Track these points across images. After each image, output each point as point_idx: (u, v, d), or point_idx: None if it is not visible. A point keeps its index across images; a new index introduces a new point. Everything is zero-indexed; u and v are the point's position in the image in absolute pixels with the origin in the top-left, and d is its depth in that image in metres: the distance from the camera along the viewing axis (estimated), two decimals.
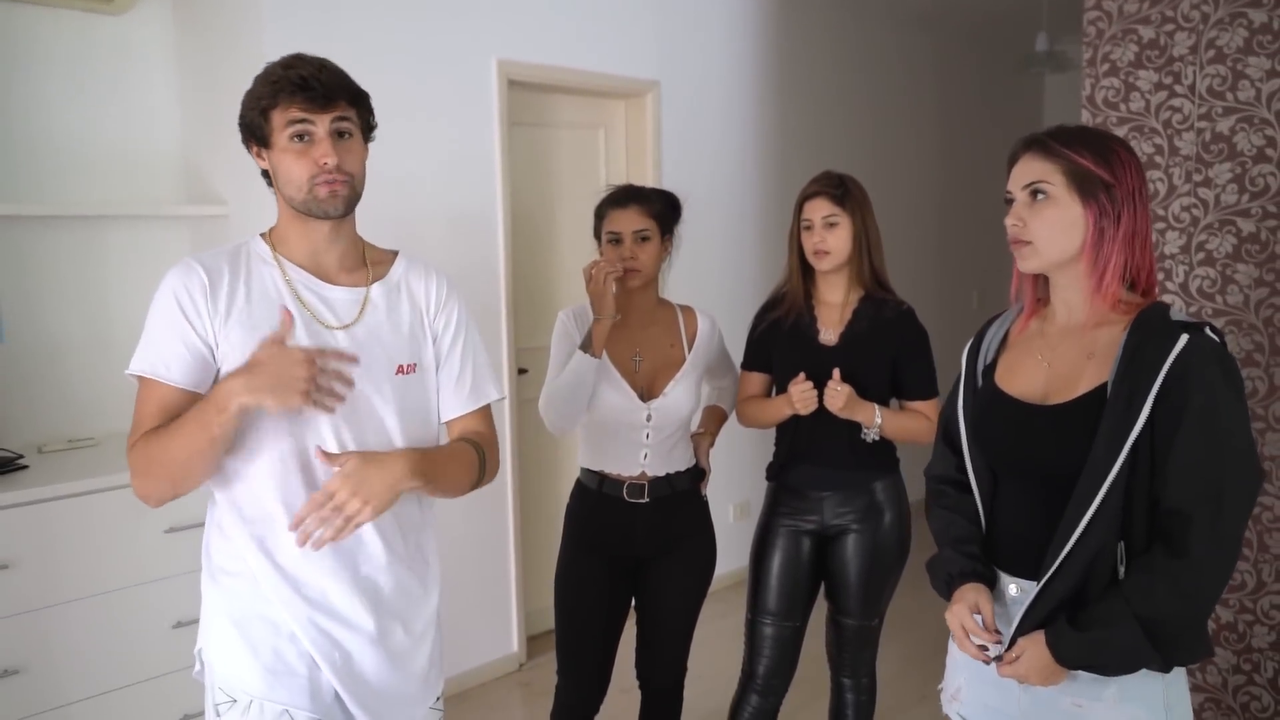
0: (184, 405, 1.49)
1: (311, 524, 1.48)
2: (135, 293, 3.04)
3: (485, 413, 1.77)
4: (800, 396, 2.28)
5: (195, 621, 2.60)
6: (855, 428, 2.34)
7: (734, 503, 4.52)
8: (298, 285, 1.59)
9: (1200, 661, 1.51)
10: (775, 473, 2.49)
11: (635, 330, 2.37)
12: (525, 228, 3.73)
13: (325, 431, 1.55)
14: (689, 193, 4.15)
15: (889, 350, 2.35)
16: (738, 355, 2.59)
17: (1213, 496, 1.40)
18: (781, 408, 2.36)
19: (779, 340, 2.43)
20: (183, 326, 1.51)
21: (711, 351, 2.47)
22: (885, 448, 2.42)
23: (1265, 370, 2.70)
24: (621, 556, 2.37)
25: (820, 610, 2.52)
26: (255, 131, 1.55)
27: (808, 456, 2.40)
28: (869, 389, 2.31)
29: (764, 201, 4.58)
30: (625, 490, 2.33)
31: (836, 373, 2.27)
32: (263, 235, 1.64)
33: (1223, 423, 1.41)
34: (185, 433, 1.45)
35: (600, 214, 2.39)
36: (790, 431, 2.42)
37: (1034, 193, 1.51)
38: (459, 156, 3.39)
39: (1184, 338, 1.42)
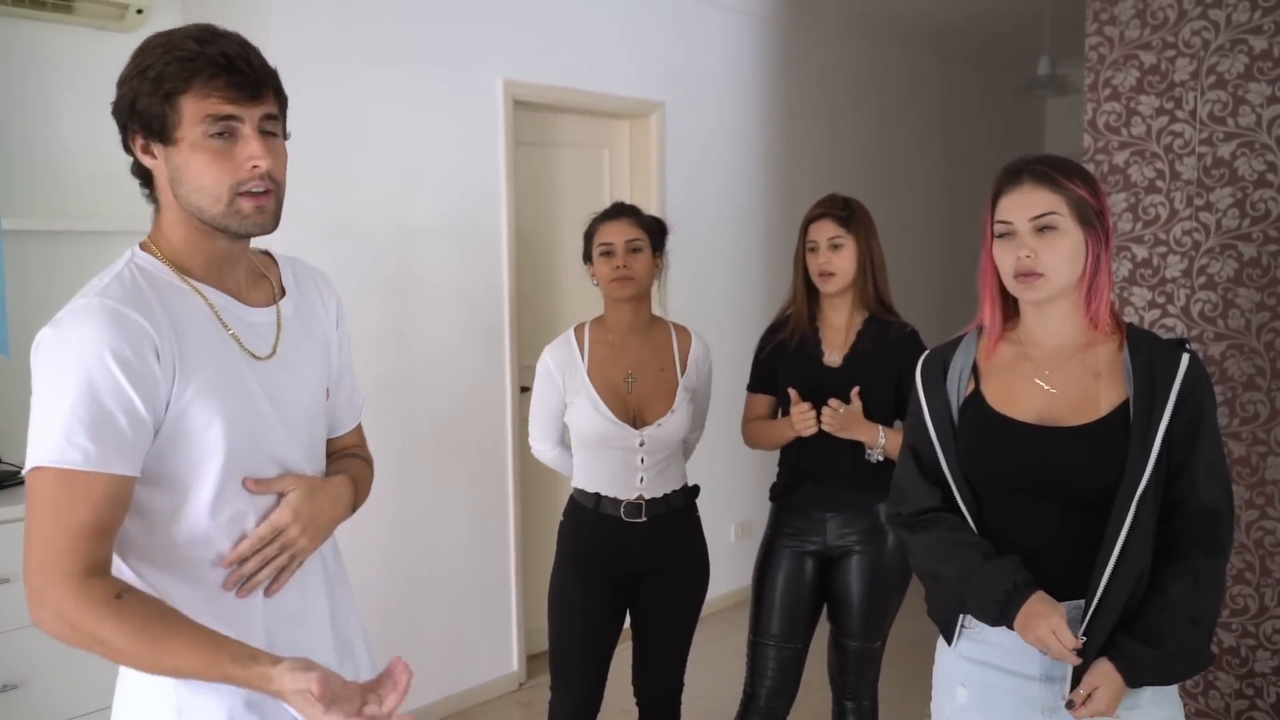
0: (126, 498, 1.18)
1: (252, 565, 1.27)
2: None
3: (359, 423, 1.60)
4: (800, 418, 2.29)
5: None
6: (859, 449, 2.34)
7: (735, 522, 4.52)
8: (223, 313, 1.29)
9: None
10: (779, 493, 2.49)
11: (629, 350, 2.38)
12: (529, 246, 3.75)
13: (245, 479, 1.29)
14: (693, 213, 4.20)
15: (893, 371, 2.35)
16: (743, 375, 2.59)
17: (1228, 496, 1.54)
18: (785, 430, 2.37)
19: (784, 361, 2.44)
20: (125, 397, 1.16)
21: (699, 380, 2.46)
22: (889, 469, 2.42)
23: (1266, 394, 2.71)
24: (617, 574, 2.37)
25: (822, 632, 2.52)
26: (150, 122, 1.20)
27: (812, 477, 2.40)
28: (873, 410, 2.32)
29: (768, 222, 4.60)
30: (623, 510, 2.34)
31: (854, 392, 2.28)
32: (144, 248, 1.29)
33: (1217, 431, 1.56)
34: (197, 657, 1.12)
35: (590, 232, 2.41)
36: (795, 453, 2.42)
37: (1043, 226, 1.54)
38: (464, 175, 3.41)
39: (1186, 357, 1.53)
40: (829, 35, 4.91)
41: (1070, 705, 1.50)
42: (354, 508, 1.43)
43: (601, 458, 2.35)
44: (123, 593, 1.14)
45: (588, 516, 2.38)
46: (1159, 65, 2.86)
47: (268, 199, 1.25)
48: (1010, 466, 1.59)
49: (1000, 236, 1.59)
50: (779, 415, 2.50)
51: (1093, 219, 1.55)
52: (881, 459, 2.33)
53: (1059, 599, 1.52)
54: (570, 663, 2.38)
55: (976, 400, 1.65)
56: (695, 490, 2.48)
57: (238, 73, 1.19)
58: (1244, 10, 2.71)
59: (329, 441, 1.49)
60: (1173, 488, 1.52)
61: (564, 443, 2.48)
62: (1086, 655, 1.49)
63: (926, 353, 1.77)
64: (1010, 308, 1.67)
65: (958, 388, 1.67)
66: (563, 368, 2.38)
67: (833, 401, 2.26)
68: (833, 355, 2.39)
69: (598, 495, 2.37)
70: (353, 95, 3.09)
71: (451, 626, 3.50)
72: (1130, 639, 1.48)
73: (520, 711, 3.57)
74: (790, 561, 2.43)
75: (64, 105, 2.94)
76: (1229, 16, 2.73)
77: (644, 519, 2.34)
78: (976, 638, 1.64)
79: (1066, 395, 1.58)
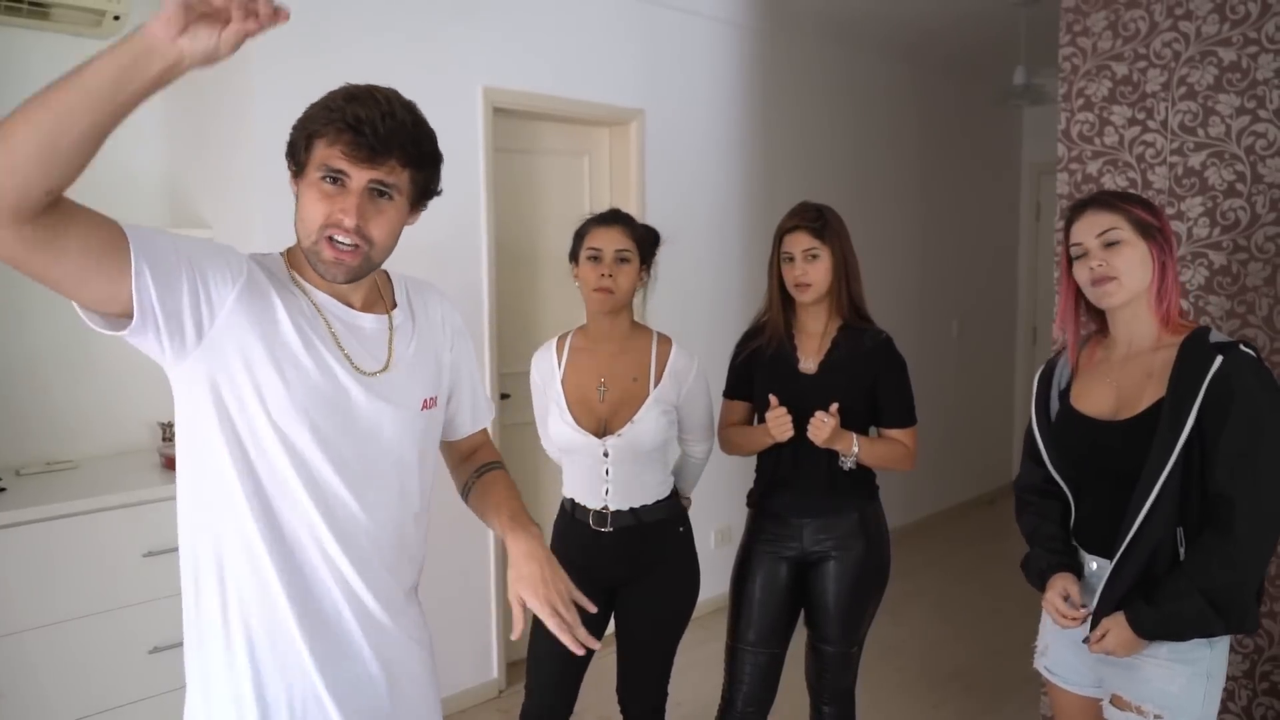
0: (113, 243, 1.18)
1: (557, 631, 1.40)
2: None
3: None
4: (776, 423, 2.30)
5: (173, 646, 2.61)
6: (836, 456, 2.36)
7: (715, 529, 4.53)
8: (327, 313, 1.40)
9: (1249, 632, 1.88)
10: (756, 499, 2.51)
11: (605, 358, 2.37)
12: (510, 254, 3.75)
13: (344, 494, 1.38)
14: (673, 220, 4.22)
15: (868, 378, 2.38)
16: (722, 381, 2.60)
17: (1251, 483, 1.72)
18: (762, 436, 2.38)
19: (760, 368, 2.45)
20: (210, 264, 1.26)
21: (684, 393, 2.40)
22: (865, 476, 2.45)
23: None
24: (593, 580, 2.34)
25: (799, 638, 2.53)
26: (295, 152, 1.36)
27: (789, 483, 2.41)
28: (849, 415, 2.34)
29: (748, 228, 4.63)
30: (591, 519, 2.35)
31: (833, 407, 2.28)
32: (282, 255, 1.45)
33: (1261, 422, 1.72)
34: (91, 68, 1.05)
35: (582, 233, 2.38)
36: (772, 459, 2.44)
37: (1108, 242, 1.84)
38: (444, 182, 3.41)
39: (1219, 359, 1.75)
40: (807, 44, 4.94)
41: (1086, 641, 1.86)
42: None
43: (574, 465, 2.37)
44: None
45: (564, 520, 2.42)
46: (1131, 76, 2.90)
47: (352, 255, 1.34)
48: (1075, 452, 1.97)
49: (1076, 259, 1.90)
50: (755, 421, 2.52)
51: (1154, 233, 1.85)
52: (853, 467, 2.35)
53: (1105, 556, 1.88)
54: (542, 665, 2.38)
55: (1065, 397, 2.01)
56: (677, 503, 2.45)
57: (362, 135, 1.28)
58: (1213, 22, 2.75)
59: (455, 443, 1.68)
60: (1203, 478, 1.76)
61: None
62: (1103, 609, 1.83)
63: (1046, 361, 2.11)
64: (1103, 320, 1.97)
65: (1058, 385, 2.04)
66: (545, 377, 2.40)
67: (819, 414, 2.27)
68: (808, 362, 2.41)
69: (573, 501, 2.39)
70: None
71: (432, 633, 3.49)
72: (1140, 600, 1.78)
73: (499, 718, 3.57)
74: (767, 567, 2.45)
75: None
76: (1199, 29, 2.78)
77: (610, 529, 2.33)
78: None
79: (1125, 393, 1.88)
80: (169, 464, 2.79)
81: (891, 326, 2.53)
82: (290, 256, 1.43)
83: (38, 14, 2.81)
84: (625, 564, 2.36)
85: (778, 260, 2.43)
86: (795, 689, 2.69)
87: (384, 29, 3.20)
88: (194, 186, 3.13)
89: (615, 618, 2.45)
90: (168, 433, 3.06)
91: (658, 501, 2.38)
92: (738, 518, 4.39)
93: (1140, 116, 2.89)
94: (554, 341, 2.44)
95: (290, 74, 2.95)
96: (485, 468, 1.67)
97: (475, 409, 1.68)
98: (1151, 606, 1.76)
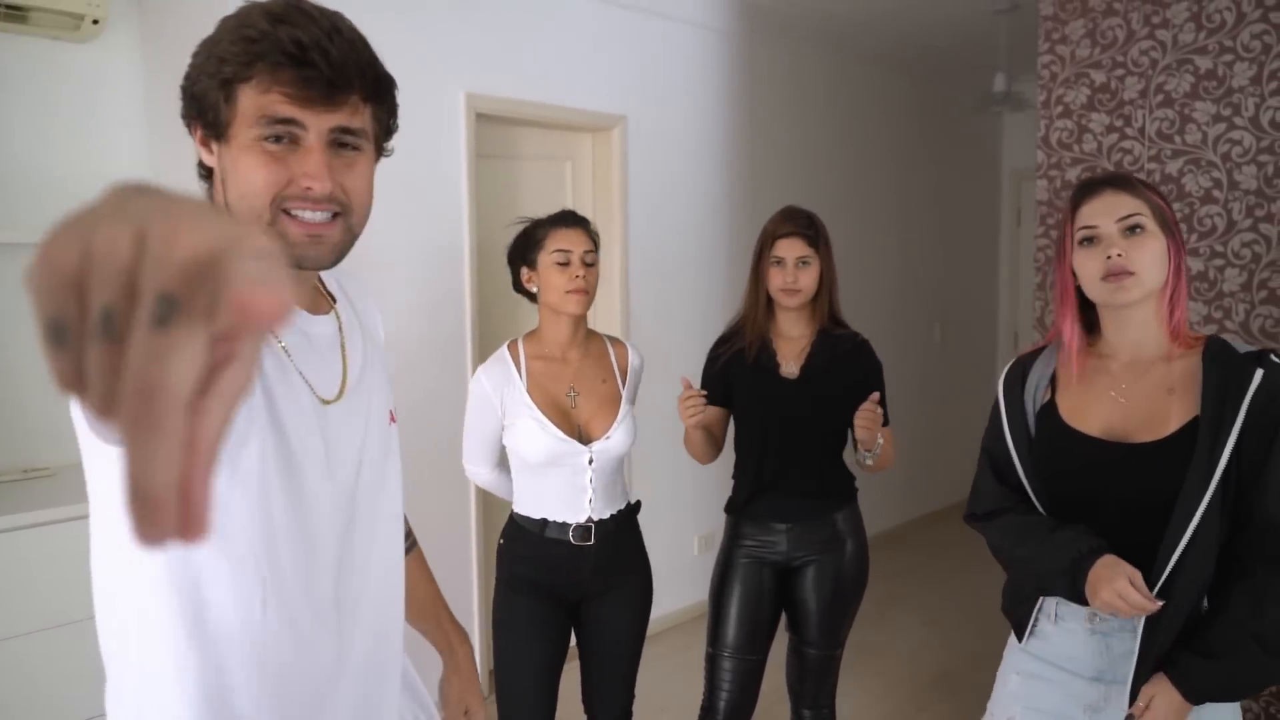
0: None
1: None
2: None
3: None
4: (685, 405, 2.26)
5: None
6: (824, 459, 2.37)
7: (698, 534, 4.53)
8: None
9: None
10: (736, 505, 2.51)
11: (570, 364, 2.29)
12: (491, 259, 3.75)
13: (331, 544, 1.07)
14: (656, 225, 4.23)
15: (848, 381, 2.38)
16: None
17: None
18: (692, 431, 2.35)
19: (741, 374, 2.45)
20: None
21: (635, 391, 2.39)
22: (846, 478, 2.46)
23: None
24: (563, 597, 2.28)
25: (779, 644, 2.54)
26: (205, 109, 0.98)
27: (774, 488, 2.41)
28: (831, 419, 2.35)
29: (730, 233, 4.64)
30: (572, 534, 2.23)
31: (874, 396, 2.22)
32: None
33: None
34: None
35: (539, 238, 2.25)
36: (755, 464, 2.43)
37: (1132, 226, 1.55)
38: (426, 188, 3.41)
39: (1260, 371, 1.49)
40: (789, 50, 4.96)
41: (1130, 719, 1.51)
42: None
43: (548, 479, 2.24)
44: None
45: (532, 541, 2.26)
46: (1109, 84, 2.93)
47: (329, 228, 0.99)
48: (1077, 480, 1.61)
49: (1083, 244, 1.58)
50: (729, 426, 2.51)
51: (1173, 228, 1.57)
52: (873, 461, 2.31)
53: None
54: (523, 691, 2.26)
55: (1050, 411, 1.66)
56: (637, 506, 2.41)
57: (309, 66, 0.93)
58: (1189, 31, 2.78)
59: None
60: (1241, 502, 1.49)
61: (501, 465, 2.38)
62: (1142, 672, 1.51)
63: (1011, 362, 1.77)
64: (1090, 321, 1.66)
65: (1034, 397, 1.69)
66: (499, 388, 2.24)
67: (868, 404, 2.21)
68: (789, 367, 2.41)
69: (544, 520, 2.25)
70: None
71: (411, 645, 3.47)
72: (1186, 652, 1.48)
73: None
74: (748, 573, 2.45)
75: (16, 117, 2.90)
76: (1175, 37, 2.81)
77: (593, 542, 2.24)
78: (1043, 637, 1.67)
79: (1138, 410, 1.58)
80: None
81: (874, 331, 2.55)
82: None
83: (15, 18, 2.79)
84: (602, 575, 2.28)
85: (765, 264, 2.41)
86: (776, 695, 2.70)
87: (366, 34, 3.18)
88: (176, 185, 3.11)
89: (580, 631, 2.36)
90: None
91: (628, 504, 2.34)
92: (719, 524, 4.41)
93: (1118, 124, 2.92)
94: (504, 351, 2.30)
95: None
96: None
97: None
98: (1205, 662, 1.46)
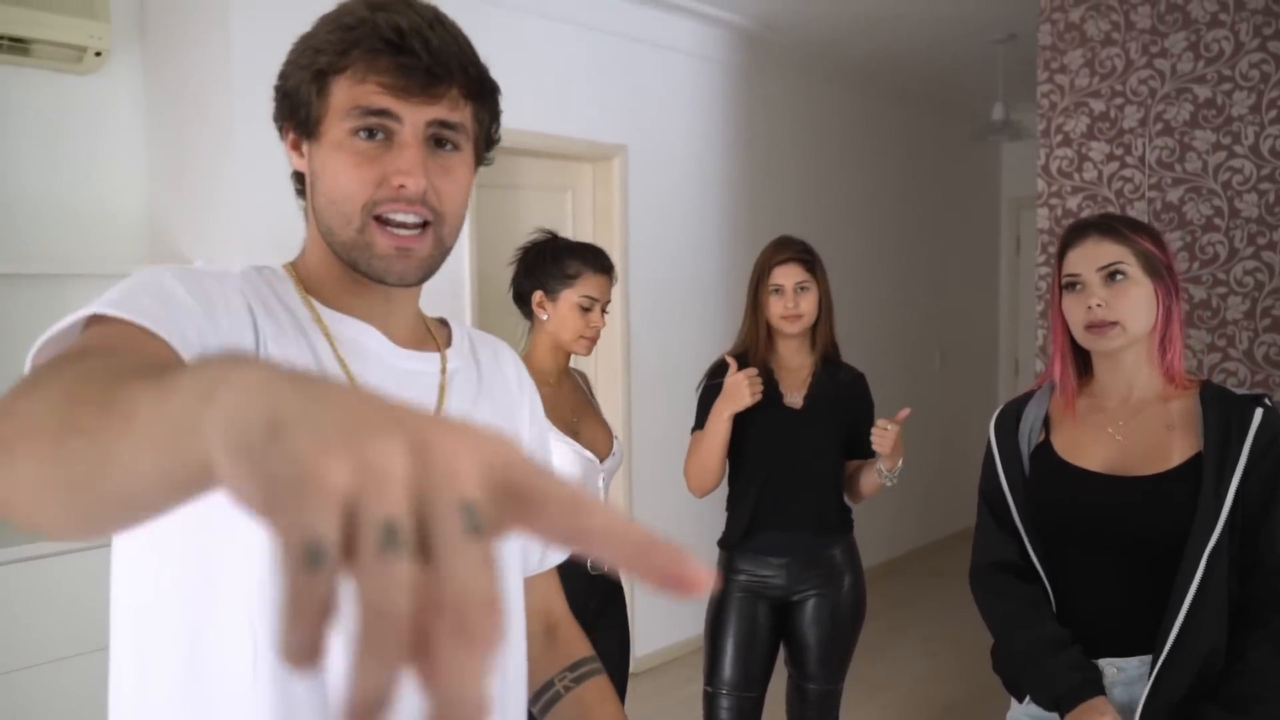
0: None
1: None
2: None
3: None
4: (750, 384, 2.23)
5: None
6: (821, 493, 2.35)
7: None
8: (350, 352, 0.93)
9: None
10: (731, 540, 2.45)
11: (565, 391, 2.30)
12: (493, 290, 3.74)
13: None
14: (656, 255, 4.23)
15: (848, 413, 2.39)
16: (688, 419, 2.54)
17: None
18: (718, 424, 2.29)
19: None
20: (224, 308, 0.83)
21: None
22: (844, 510, 2.44)
23: None
24: None
25: (778, 679, 2.49)
26: (299, 108, 0.90)
27: (772, 522, 2.37)
28: (831, 448, 2.34)
29: (729, 263, 4.64)
30: (590, 561, 2.18)
31: (903, 413, 2.20)
32: (287, 269, 0.97)
33: None
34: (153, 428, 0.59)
35: (570, 270, 2.21)
36: (752, 498, 2.38)
37: (1113, 274, 1.54)
38: None
39: (1260, 411, 1.49)
40: (788, 80, 4.99)
41: None
42: None
43: None
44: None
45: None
46: (1108, 112, 2.94)
47: (418, 240, 0.90)
48: (1078, 516, 1.59)
49: (1068, 289, 1.59)
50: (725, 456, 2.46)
51: (1161, 271, 1.55)
52: (894, 482, 2.29)
53: (1126, 654, 1.52)
54: None
55: (1045, 450, 1.65)
56: None
57: (408, 53, 0.85)
58: (1188, 60, 2.79)
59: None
60: (1248, 547, 1.48)
61: None
62: (1154, 713, 1.47)
63: (1002, 405, 1.76)
64: (1083, 363, 1.66)
65: (1029, 438, 1.67)
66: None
67: (881, 421, 2.21)
68: (793, 397, 2.40)
69: None
70: None
71: None
72: (1214, 706, 1.44)
73: None
74: (744, 608, 2.40)
75: (20, 149, 2.90)
76: (1174, 66, 2.82)
77: (605, 570, 2.19)
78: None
79: (1137, 446, 1.57)
80: None
81: (875, 360, 2.54)
82: (300, 271, 0.96)
83: (18, 50, 2.80)
84: (601, 605, 2.24)
85: (764, 293, 2.41)
86: None
87: None
88: (175, 223, 3.11)
89: None
90: None
91: None
92: (709, 558, 4.37)
93: (1118, 152, 2.93)
94: None
95: (267, 110, 2.94)
96: (582, 668, 1.11)
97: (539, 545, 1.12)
98: (1235, 714, 1.42)
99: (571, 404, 2.29)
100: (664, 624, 4.23)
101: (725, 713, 2.39)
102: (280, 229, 2.97)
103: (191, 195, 3.08)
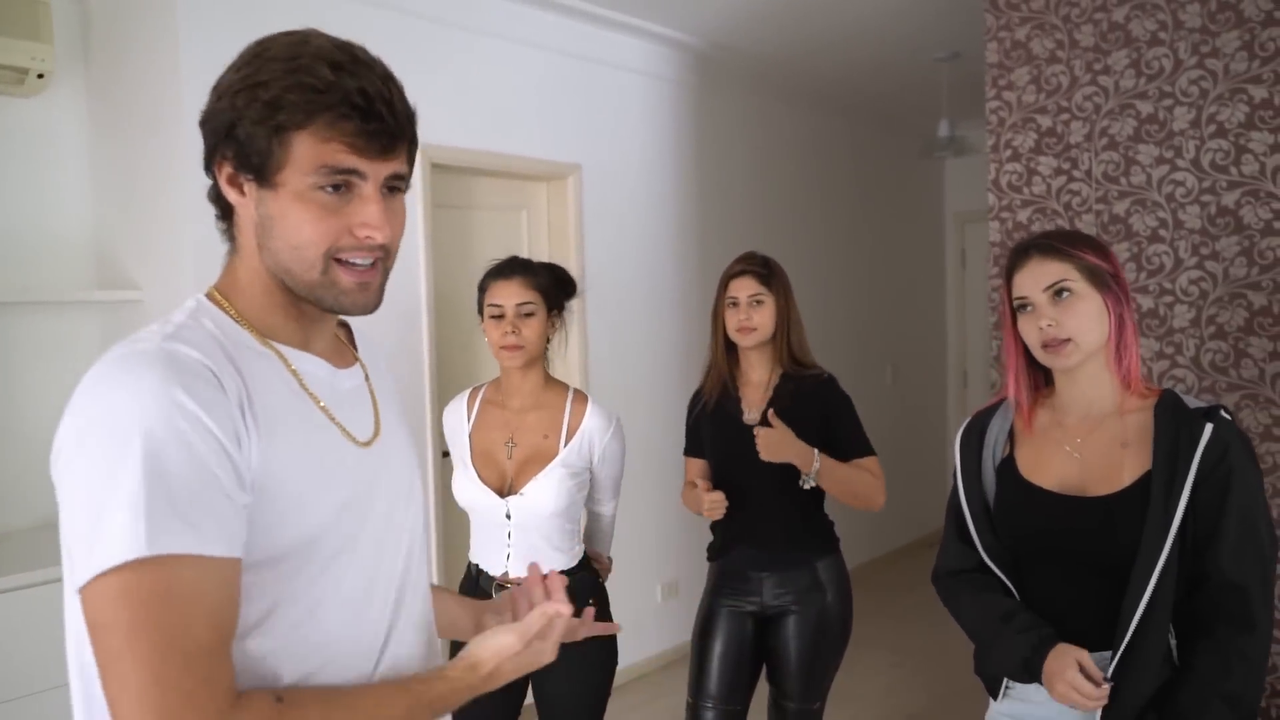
0: (238, 590, 0.90)
1: None
2: (43, 382, 2.92)
3: None
4: (710, 507, 2.29)
5: None
6: (791, 510, 2.35)
7: (662, 582, 4.48)
8: (308, 380, 1.04)
9: None
10: (716, 554, 2.48)
11: (514, 413, 2.26)
12: (449, 309, 3.72)
13: (388, 597, 1.08)
14: (611, 273, 4.23)
15: (815, 418, 2.36)
16: (661, 434, 2.58)
17: (1261, 569, 1.50)
18: (696, 505, 2.36)
19: (707, 422, 2.45)
20: (216, 449, 0.89)
21: (599, 453, 2.26)
22: (824, 525, 2.45)
23: None
24: None
25: (760, 695, 2.50)
26: (249, 154, 0.96)
27: (747, 537, 2.39)
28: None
29: (684, 280, 4.66)
30: (493, 589, 2.19)
31: (769, 413, 2.25)
32: (213, 300, 1.03)
33: (1255, 500, 1.52)
34: (398, 702, 0.97)
35: (483, 286, 2.26)
36: (726, 517, 2.35)
37: (1058, 291, 1.57)
38: None
39: (1209, 426, 1.51)
40: (738, 98, 5.04)
41: None
42: None
43: (477, 526, 2.25)
44: (279, 694, 0.90)
45: (470, 588, 2.26)
46: (1055, 128, 3.01)
47: (373, 274, 1.01)
48: (1035, 533, 1.63)
49: (1020, 311, 1.63)
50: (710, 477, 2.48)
51: (1108, 281, 1.58)
52: (814, 484, 2.31)
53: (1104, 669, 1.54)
54: None
55: (1009, 466, 1.69)
56: (587, 573, 2.26)
57: (375, 119, 0.95)
58: (1130, 77, 2.88)
59: None
60: (1199, 561, 1.51)
61: None
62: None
63: (969, 418, 1.80)
64: (1044, 376, 1.70)
65: (994, 452, 1.72)
66: (454, 430, 2.31)
67: (759, 429, 2.24)
68: (752, 413, 2.40)
69: (477, 566, 2.25)
70: None
71: None
72: (1155, 715, 1.49)
73: None
74: (730, 622, 2.41)
75: None
76: (1116, 83, 2.90)
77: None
78: (1019, 697, 1.67)
79: (1093, 464, 1.60)
80: None
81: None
82: (237, 306, 1.02)
83: None
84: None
85: (722, 306, 2.43)
86: None
87: None
88: (123, 248, 3.04)
89: (535, 697, 2.25)
90: None
91: (569, 569, 2.18)
92: (685, 571, 4.38)
93: (1066, 166, 3.00)
94: (466, 394, 2.37)
95: None
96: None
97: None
98: None
99: (515, 429, 2.24)
100: (632, 640, 4.21)
101: None
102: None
103: (140, 220, 3.01)
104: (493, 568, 2.21)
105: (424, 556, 1.18)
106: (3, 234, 2.91)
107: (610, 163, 4.25)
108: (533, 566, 1.25)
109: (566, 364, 4.00)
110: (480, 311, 2.27)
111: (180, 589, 0.83)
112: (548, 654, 1.07)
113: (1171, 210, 2.82)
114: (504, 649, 1.03)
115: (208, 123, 1.00)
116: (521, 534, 2.17)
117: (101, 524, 0.83)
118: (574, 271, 3.99)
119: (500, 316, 2.19)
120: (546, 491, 2.17)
